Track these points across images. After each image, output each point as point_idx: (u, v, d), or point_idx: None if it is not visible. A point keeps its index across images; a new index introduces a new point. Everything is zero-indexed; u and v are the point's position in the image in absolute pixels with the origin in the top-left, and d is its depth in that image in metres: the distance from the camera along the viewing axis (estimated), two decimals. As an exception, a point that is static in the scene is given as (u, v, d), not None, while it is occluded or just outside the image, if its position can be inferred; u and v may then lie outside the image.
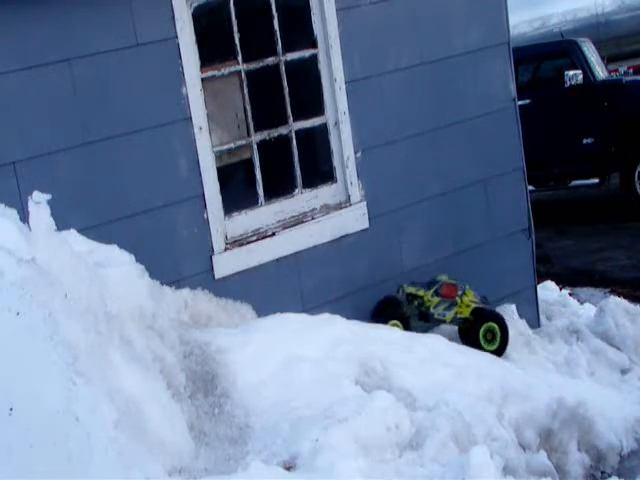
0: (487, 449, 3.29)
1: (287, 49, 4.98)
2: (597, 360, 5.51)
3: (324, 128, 5.16)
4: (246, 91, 4.87)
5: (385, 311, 5.12)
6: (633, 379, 5.28)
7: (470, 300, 5.22)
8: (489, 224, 5.77)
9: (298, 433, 3.34)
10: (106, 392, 3.05)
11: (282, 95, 5.00)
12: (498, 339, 5.20)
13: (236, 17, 4.79)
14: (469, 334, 5.22)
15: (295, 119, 5.05)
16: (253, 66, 4.89)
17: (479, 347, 5.10)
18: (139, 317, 3.71)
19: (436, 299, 5.14)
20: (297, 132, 5.07)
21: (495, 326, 5.21)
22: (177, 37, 4.53)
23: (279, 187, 5.06)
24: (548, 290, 6.93)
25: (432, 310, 5.15)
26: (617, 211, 10.24)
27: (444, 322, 5.24)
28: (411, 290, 5.16)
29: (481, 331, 5.18)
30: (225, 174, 4.85)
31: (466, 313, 5.20)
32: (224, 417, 3.59)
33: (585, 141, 10.43)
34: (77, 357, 2.93)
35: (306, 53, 5.07)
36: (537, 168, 9.35)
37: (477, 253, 5.72)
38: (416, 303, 5.13)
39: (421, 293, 5.14)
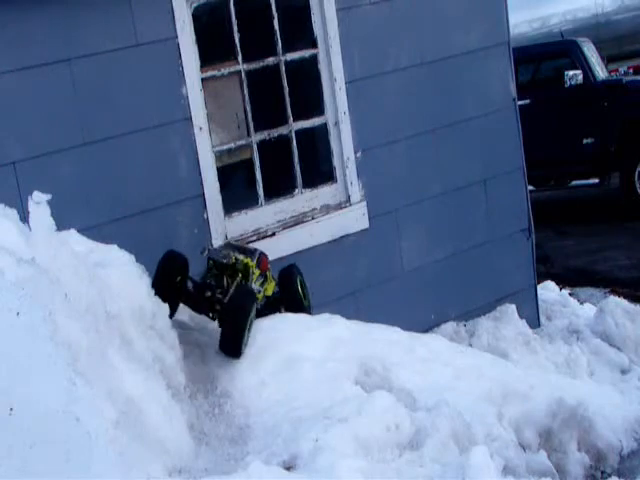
0: (487, 449, 3.29)
1: (287, 49, 4.98)
2: (597, 360, 5.51)
3: (324, 128, 5.16)
4: (246, 91, 4.87)
5: (172, 283, 4.08)
6: (633, 379, 5.28)
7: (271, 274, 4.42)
8: (489, 224, 5.78)
9: (298, 433, 3.34)
10: (106, 392, 3.05)
11: (282, 95, 5.00)
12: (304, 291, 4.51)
13: (236, 17, 4.79)
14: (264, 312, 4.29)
15: (295, 119, 5.05)
16: (253, 66, 4.89)
17: (298, 306, 4.38)
18: (139, 317, 3.71)
19: (257, 271, 4.23)
20: (297, 132, 5.07)
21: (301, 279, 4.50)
22: (177, 37, 4.54)
23: (279, 187, 5.07)
24: (548, 290, 6.93)
25: (253, 285, 4.19)
26: (617, 211, 10.24)
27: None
28: (225, 254, 4.15)
29: (298, 285, 4.43)
30: (225, 174, 4.85)
31: (270, 291, 4.38)
32: (224, 417, 3.59)
33: (585, 141, 10.43)
34: (77, 357, 2.93)
35: (306, 53, 5.07)
36: (537, 168, 9.35)
37: (477, 253, 5.72)
38: (229, 272, 4.12)
39: (243, 259, 4.12)
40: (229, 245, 4.40)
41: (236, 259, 4.14)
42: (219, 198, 4.74)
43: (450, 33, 5.54)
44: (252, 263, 4.19)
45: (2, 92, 4.08)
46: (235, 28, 4.80)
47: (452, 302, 5.61)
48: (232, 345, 3.90)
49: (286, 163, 5.08)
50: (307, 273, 5.01)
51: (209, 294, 4.12)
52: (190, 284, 4.21)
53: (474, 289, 5.70)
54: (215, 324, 4.13)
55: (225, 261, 4.16)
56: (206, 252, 4.23)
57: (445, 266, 5.58)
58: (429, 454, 3.41)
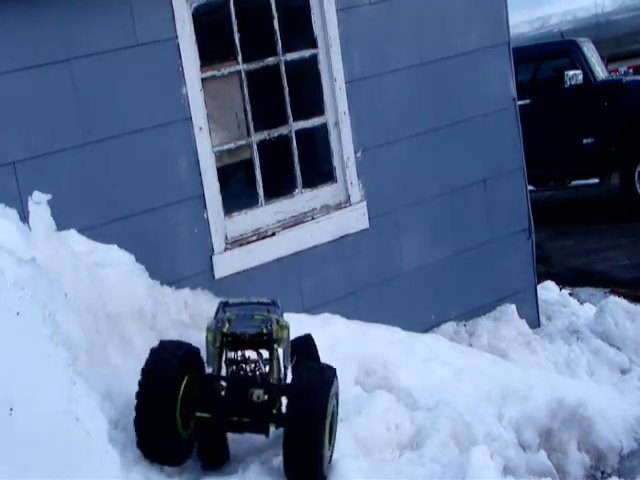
0: (487, 449, 3.30)
1: (287, 49, 4.98)
2: (597, 360, 5.51)
3: (324, 128, 5.16)
4: (246, 91, 4.87)
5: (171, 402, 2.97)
6: (633, 379, 5.28)
7: None
8: (489, 224, 5.77)
9: (298, 433, 3.33)
10: (106, 392, 3.06)
11: (282, 95, 5.00)
12: None
13: (236, 17, 4.79)
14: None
15: (295, 119, 5.05)
16: (253, 66, 4.89)
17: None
18: (139, 317, 3.71)
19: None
20: (297, 132, 5.07)
21: None
22: (177, 37, 4.53)
23: (279, 187, 5.06)
24: (548, 290, 6.92)
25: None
26: (617, 211, 10.24)
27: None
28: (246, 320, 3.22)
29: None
30: (225, 174, 4.85)
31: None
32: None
33: (585, 141, 10.42)
34: (77, 357, 2.93)
35: (306, 53, 5.07)
36: (537, 168, 9.35)
37: (477, 253, 5.72)
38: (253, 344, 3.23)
39: (280, 324, 3.21)
40: (239, 307, 3.31)
41: (268, 324, 3.16)
42: (219, 198, 4.74)
43: (450, 33, 5.53)
44: (284, 319, 3.26)
45: (2, 92, 4.07)
46: (235, 28, 4.79)
47: (452, 302, 5.60)
48: (313, 470, 2.94)
49: (286, 163, 5.08)
50: (307, 273, 5.02)
51: (259, 395, 3.03)
52: (217, 383, 3.10)
53: (474, 289, 5.69)
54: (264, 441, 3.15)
55: (253, 332, 3.15)
56: (225, 324, 3.15)
57: (445, 266, 5.58)
58: (429, 454, 3.41)
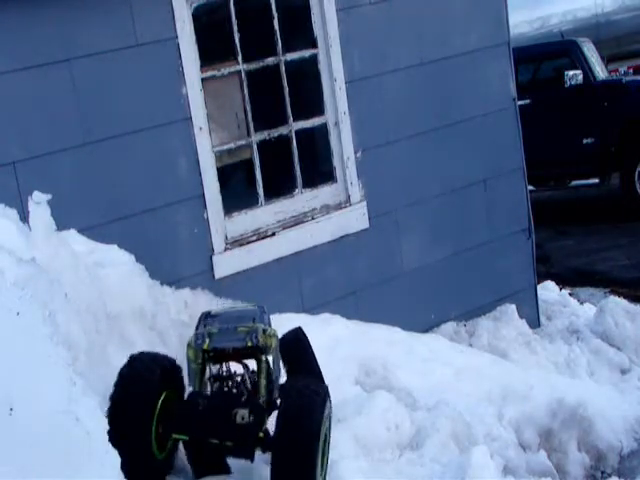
0: (487, 449, 3.30)
1: (287, 49, 4.98)
2: (597, 360, 5.51)
3: (324, 128, 5.16)
4: (246, 91, 4.87)
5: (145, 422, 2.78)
6: (633, 379, 5.28)
7: None
8: (489, 224, 5.77)
9: (298, 433, 3.33)
10: (106, 392, 3.05)
11: (282, 95, 5.00)
12: None
13: (236, 17, 4.79)
14: None
15: (295, 119, 5.05)
16: (253, 66, 4.89)
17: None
18: (139, 317, 3.71)
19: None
20: (297, 132, 5.07)
21: None
22: (177, 37, 4.53)
23: (279, 187, 5.06)
24: (548, 290, 6.92)
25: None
26: (617, 211, 10.24)
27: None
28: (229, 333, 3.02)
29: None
30: (225, 174, 4.85)
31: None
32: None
33: (585, 141, 10.42)
34: (77, 357, 2.94)
35: (306, 53, 5.07)
36: (537, 168, 9.35)
37: (477, 253, 5.72)
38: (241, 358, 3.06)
39: (268, 334, 3.05)
40: (222, 318, 3.09)
41: (257, 334, 2.92)
42: (219, 198, 4.74)
43: (450, 33, 5.53)
44: (272, 328, 3.06)
45: (2, 92, 4.07)
46: (235, 28, 4.79)
47: (452, 302, 5.61)
48: None
49: (286, 163, 5.08)
50: (307, 273, 5.02)
51: (244, 415, 2.77)
52: (197, 402, 2.85)
53: (474, 289, 5.70)
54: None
55: (237, 345, 2.93)
56: (206, 340, 2.94)
57: (445, 266, 5.58)
58: (429, 454, 3.41)
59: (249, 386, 2.94)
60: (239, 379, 2.97)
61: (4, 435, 1.84)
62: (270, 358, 3.00)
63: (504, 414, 4.06)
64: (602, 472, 4.18)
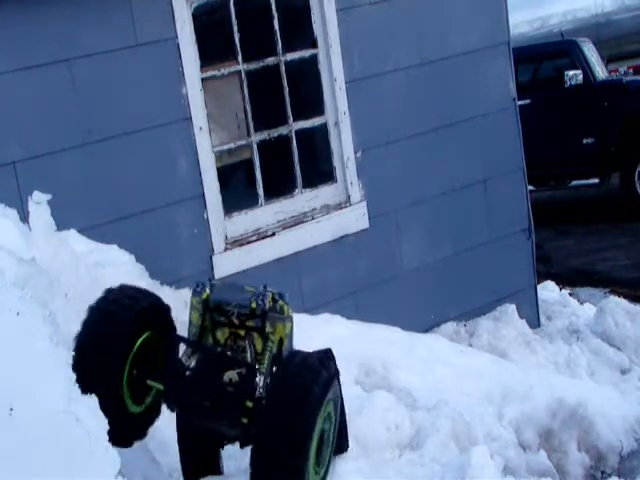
0: (487, 449, 3.30)
1: (287, 49, 4.98)
2: (597, 360, 5.51)
3: (324, 128, 5.16)
4: (246, 91, 4.87)
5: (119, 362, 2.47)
6: (633, 379, 5.28)
7: None
8: (489, 224, 5.77)
9: (298, 433, 3.33)
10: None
11: (282, 95, 5.00)
12: None
13: (236, 17, 4.79)
14: None
15: (295, 119, 5.05)
16: (253, 66, 4.89)
17: None
18: (139, 317, 3.70)
19: (290, 324, 2.82)
20: (297, 132, 5.07)
21: None
22: (177, 37, 4.53)
23: (279, 187, 5.06)
24: (548, 290, 6.93)
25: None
26: (617, 211, 10.24)
27: None
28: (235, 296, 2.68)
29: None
30: (225, 174, 4.85)
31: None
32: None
33: (585, 141, 10.42)
34: (77, 357, 2.93)
35: (306, 53, 5.07)
36: (537, 168, 9.35)
37: (477, 253, 5.72)
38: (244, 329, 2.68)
39: (281, 303, 2.69)
40: (229, 285, 3.04)
41: (267, 300, 2.56)
42: (219, 198, 4.74)
43: (450, 33, 5.53)
44: (289, 308, 2.68)
45: (2, 92, 4.07)
46: (235, 28, 4.80)
47: (452, 302, 5.61)
48: None
49: (286, 163, 5.08)
50: (307, 273, 5.02)
51: (232, 377, 2.42)
52: (185, 357, 2.53)
53: (474, 289, 5.70)
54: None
55: (243, 307, 2.58)
56: (206, 290, 2.63)
57: (445, 266, 5.58)
58: (429, 454, 3.41)
59: (250, 357, 2.59)
60: (242, 347, 2.61)
61: (4, 435, 1.84)
62: (275, 336, 2.60)
63: (504, 414, 4.06)
64: (602, 472, 4.18)
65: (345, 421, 2.93)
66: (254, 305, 2.57)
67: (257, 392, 2.48)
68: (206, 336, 2.66)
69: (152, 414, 2.63)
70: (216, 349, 2.61)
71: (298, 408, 2.29)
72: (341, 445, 2.93)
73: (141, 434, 2.58)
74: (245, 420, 2.42)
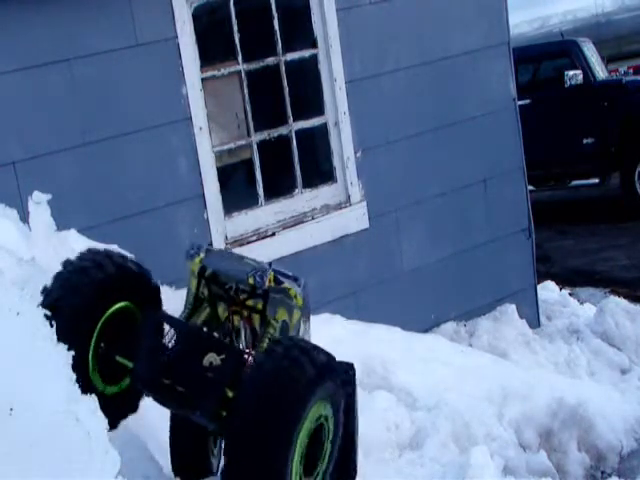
0: (487, 449, 3.30)
1: (287, 49, 4.98)
2: (597, 360, 5.51)
3: (324, 128, 5.16)
4: (246, 91, 4.87)
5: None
6: (633, 379, 5.28)
7: None
8: (489, 224, 5.77)
9: (298, 433, 3.33)
10: (106, 392, 3.05)
11: (282, 95, 5.00)
12: None
13: (236, 17, 4.79)
14: None
15: (295, 119, 5.05)
16: (253, 66, 4.89)
17: None
18: (139, 317, 3.70)
19: (298, 313, 2.46)
20: (297, 132, 5.07)
21: None
22: (177, 37, 4.53)
23: (279, 187, 5.06)
24: (548, 290, 6.93)
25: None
26: (617, 211, 10.24)
27: None
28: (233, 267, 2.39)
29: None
30: (225, 174, 4.85)
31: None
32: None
33: (585, 141, 10.43)
34: (77, 357, 2.93)
35: (306, 53, 5.07)
36: (537, 168, 9.35)
37: (477, 253, 5.72)
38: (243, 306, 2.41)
39: (286, 286, 2.37)
40: (228, 254, 2.78)
41: (270, 281, 2.26)
42: (219, 198, 4.74)
43: (450, 33, 5.53)
44: (298, 293, 2.36)
45: (2, 92, 4.07)
46: (235, 28, 4.80)
47: (452, 302, 5.61)
48: None
49: (286, 163, 5.08)
50: (307, 273, 5.01)
51: (213, 359, 2.13)
52: (167, 333, 2.24)
53: (474, 289, 5.70)
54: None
55: (241, 281, 2.29)
56: (200, 254, 2.37)
57: (445, 266, 5.58)
58: (429, 454, 3.41)
59: (245, 342, 2.33)
60: (238, 327, 2.34)
61: (4, 435, 1.84)
62: (277, 322, 2.31)
63: (504, 414, 4.06)
64: (602, 472, 4.18)
65: (355, 443, 2.46)
66: (251, 281, 2.25)
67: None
68: (202, 310, 2.38)
69: (132, 399, 2.39)
70: (197, 327, 2.28)
71: (270, 408, 1.98)
72: (346, 471, 2.46)
73: (115, 419, 2.29)
74: (224, 413, 2.11)
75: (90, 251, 2.34)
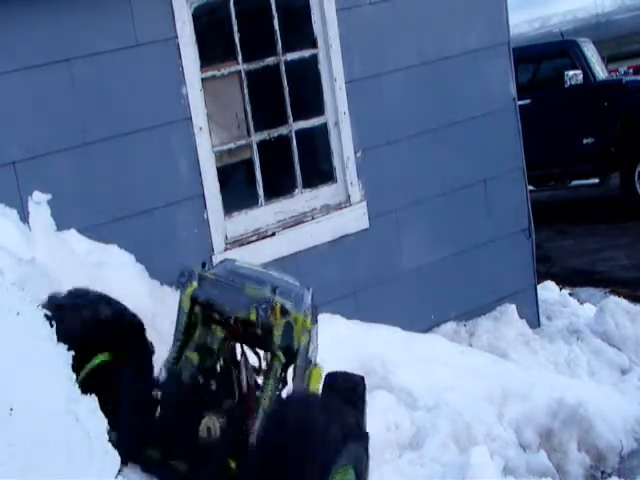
0: (487, 449, 3.30)
1: (287, 49, 4.98)
2: (597, 360, 5.51)
3: (324, 128, 5.16)
4: (246, 91, 4.87)
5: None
6: (633, 379, 5.28)
7: None
8: (489, 224, 5.77)
9: (298, 433, 3.33)
10: (106, 392, 3.05)
11: (282, 95, 5.00)
12: None
13: (236, 17, 4.79)
14: None
15: (295, 119, 5.05)
16: (253, 66, 4.89)
17: None
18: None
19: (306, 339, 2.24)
20: (297, 132, 5.07)
21: None
22: (177, 37, 4.53)
23: (279, 187, 5.06)
24: (548, 290, 6.93)
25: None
26: (617, 211, 10.24)
27: None
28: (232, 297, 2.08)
29: None
30: (225, 174, 4.85)
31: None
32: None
33: (585, 141, 10.43)
34: (77, 357, 2.93)
35: (306, 53, 5.07)
36: (537, 168, 9.35)
37: (477, 253, 5.72)
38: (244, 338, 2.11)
39: (294, 315, 2.13)
40: (224, 278, 2.19)
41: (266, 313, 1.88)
42: (219, 198, 4.74)
43: (450, 33, 5.53)
44: (305, 316, 2.11)
45: (2, 92, 4.07)
46: (235, 28, 4.79)
47: (452, 302, 5.60)
48: None
49: (286, 163, 5.08)
50: (307, 273, 5.01)
51: (212, 425, 1.76)
52: (154, 391, 1.86)
53: (474, 289, 5.70)
54: None
55: (234, 309, 1.98)
56: (192, 282, 2.05)
57: (445, 266, 5.58)
58: (429, 454, 3.41)
59: (245, 384, 1.99)
60: (238, 364, 1.98)
61: (4, 435, 1.84)
62: (284, 355, 1.94)
63: (504, 414, 4.06)
64: (602, 472, 4.18)
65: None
66: (253, 317, 1.94)
67: (250, 441, 1.76)
68: (193, 341, 2.11)
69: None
70: (189, 385, 1.85)
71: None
72: None
73: None
74: None
75: (72, 293, 1.93)
